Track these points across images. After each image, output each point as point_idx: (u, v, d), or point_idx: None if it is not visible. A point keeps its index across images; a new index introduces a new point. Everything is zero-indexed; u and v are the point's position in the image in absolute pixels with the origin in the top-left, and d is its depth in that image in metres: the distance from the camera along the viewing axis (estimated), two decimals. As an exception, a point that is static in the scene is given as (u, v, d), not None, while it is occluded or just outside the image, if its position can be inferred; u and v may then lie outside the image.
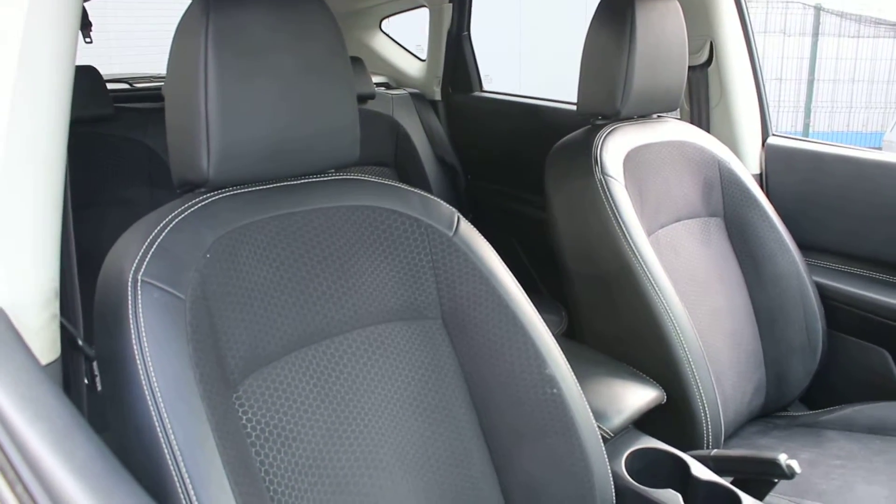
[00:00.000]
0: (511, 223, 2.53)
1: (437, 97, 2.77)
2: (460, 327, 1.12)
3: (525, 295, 1.13)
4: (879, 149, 6.83)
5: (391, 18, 2.90)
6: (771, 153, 1.93)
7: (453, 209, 1.16)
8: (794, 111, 9.08)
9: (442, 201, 1.18)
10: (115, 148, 2.19)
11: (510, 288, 1.12)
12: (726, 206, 1.71)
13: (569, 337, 1.60)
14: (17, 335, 0.68)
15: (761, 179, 1.92)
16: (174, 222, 0.91)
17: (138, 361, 0.78)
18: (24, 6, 0.73)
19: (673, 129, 1.69)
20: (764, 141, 1.95)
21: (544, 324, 1.12)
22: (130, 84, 2.60)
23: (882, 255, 1.74)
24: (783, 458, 1.14)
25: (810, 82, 9.00)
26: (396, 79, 2.90)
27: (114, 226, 1.43)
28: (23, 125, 0.74)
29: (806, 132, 8.21)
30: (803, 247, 1.74)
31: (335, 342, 1.03)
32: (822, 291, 1.73)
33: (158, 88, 2.49)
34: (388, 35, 2.94)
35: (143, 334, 0.80)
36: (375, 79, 2.76)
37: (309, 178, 1.07)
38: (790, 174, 1.89)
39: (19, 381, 0.60)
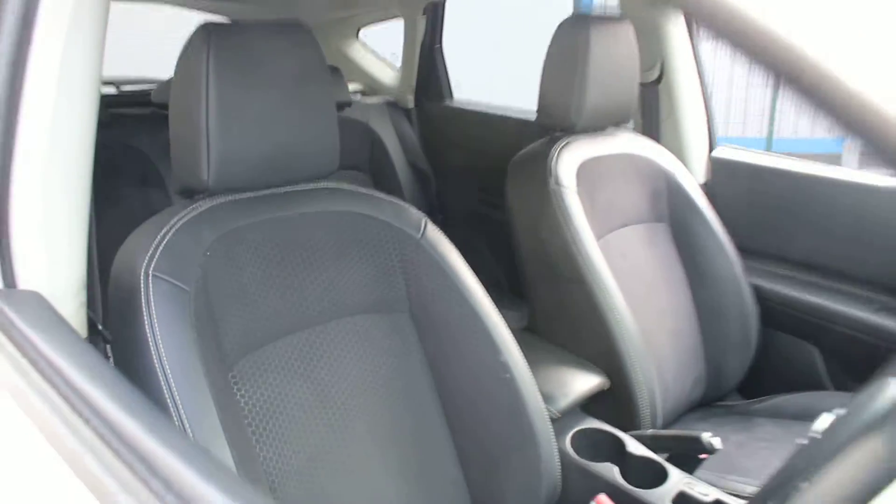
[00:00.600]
0: (478, 225, 2.68)
1: (411, 105, 2.90)
2: (426, 320, 1.27)
3: (484, 291, 1.28)
4: (840, 153, 7.05)
5: (368, 28, 3.03)
6: (716, 164, 2.10)
7: (422, 214, 1.31)
8: (760, 116, 9.29)
9: (412, 207, 1.33)
10: (112, 152, 2.29)
11: (471, 285, 1.27)
12: (672, 212, 1.87)
13: (530, 331, 1.76)
14: (60, 317, 0.82)
15: (707, 188, 2.09)
16: (179, 224, 1.05)
17: (150, 344, 0.92)
18: (62, 37, 0.87)
19: (624, 142, 1.85)
20: (709, 153, 2.12)
21: (501, 317, 1.27)
22: (117, 87, 2.71)
23: (813, 260, 1.91)
24: (706, 436, 1.31)
25: (776, 88, 9.19)
26: (372, 87, 3.03)
27: (109, 223, 1.57)
28: (60, 142, 0.88)
29: (770, 138, 8.43)
30: (743, 251, 1.90)
31: (316, 330, 1.18)
32: (758, 292, 1.90)
33: (145, 92, 2.60)
34: (364, 45, 3.07)
35: (155, 321, 0.94)
36: (352, 86, 2.90)
37: (295, 187, 1.21)
38: (733, 184, 2.06)
39: (73, 349, 0.74)
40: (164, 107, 2.38)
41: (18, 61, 0.84)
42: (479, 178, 2.67)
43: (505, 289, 2.49)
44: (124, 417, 0.64)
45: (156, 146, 2.31)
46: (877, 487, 0.50)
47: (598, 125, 1.81)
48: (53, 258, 0.88)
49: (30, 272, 0.86)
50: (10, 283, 0.84)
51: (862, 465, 0.53)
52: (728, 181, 2.07)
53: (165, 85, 2.40)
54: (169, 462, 0.61)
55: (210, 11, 2.80)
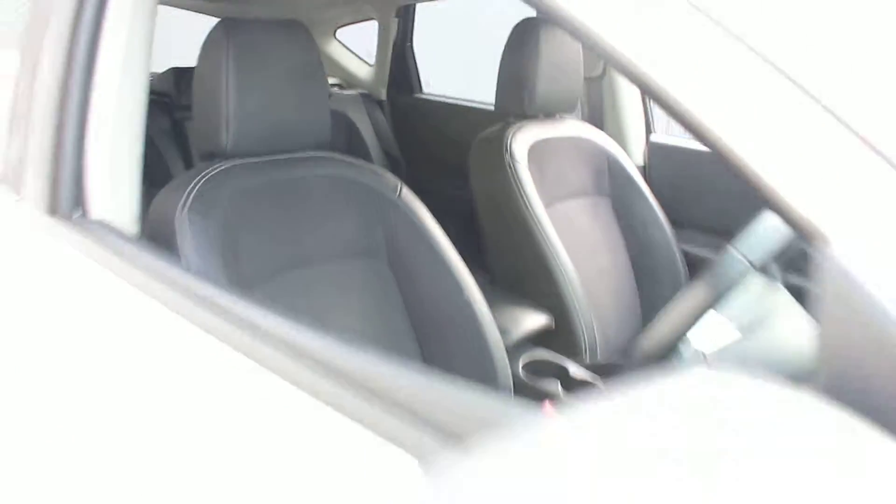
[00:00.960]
0: (444, 206, 2.95)
1: (384, 97, 3.17)
2: (401, 267, 1.55)
3: (449, 242, 1.56)
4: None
5: (344, 29, 3.30)
6: (652, 149, 2.40)
7: (398, 179, 1.59)
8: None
9: (389, 173, 1.61)
10: None
11: (439, 238, 1.55)
12: (612, 188, 2.17)
13: (490, 284, 2.05)
14: (128, 236, 1.09)
15: (644, 170, 2.38)
16: (206, 178, 1.31)
17: (185, 267, 1.19)
18: (125, 27, 1.13)
19: (571, 127, 2.14)
20: (647, 139, 2.42)
21: (463, 263, 1.55)
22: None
23: (732, 227, 2.21)
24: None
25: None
26: (348, 81, 3.30)
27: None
28: (123, 107, 1.14)
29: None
30: (675, 223, 2.20)
31: (312, 270, 1.45)
32: (687, 257, 2.20)
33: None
34: (341, 43, 3.34)
35: (190, 249, 1.20)
36: (330, 80, 3.16)
37: (294, 155, 1.48)
38: (667, 165, 2.36)
39: (150, 254, 1.00)
40: (163, 94, 2.63)
41: (93, 47, 1.10)
42: (446, 162, 2.95)
43: (470, 259, 2.76)
44: (203, 285, 0.90)
45: (154, 127, 2.56)
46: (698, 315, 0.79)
47: (548, 112, 2.10)
48: (117, 196, 1.14)
49: (100, 206, 1.11)
50: (86, 213, 1.10)
51: (692, 305, 0.81)
52: (662, 162, 2.37)
53: (161, 75, 2.65)
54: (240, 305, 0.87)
55: (199, 11, 3.04)
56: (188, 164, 2.37)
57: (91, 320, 0.99)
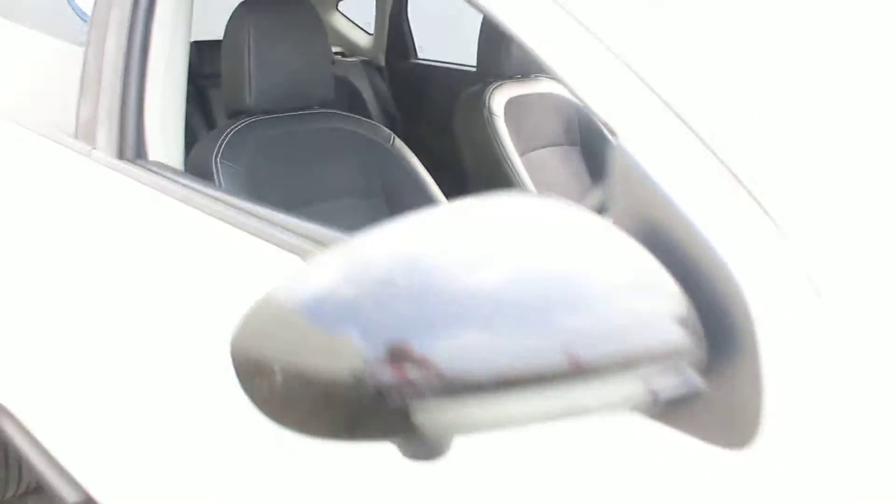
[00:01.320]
0: (437, 161, 3.26)
1: (382, 63, 3.48)
2: (395, 204, 1.88)
3: (435, 183, 1.89)
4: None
5: (346, 1, 3.59)
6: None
7: (391, 132, 1.91)
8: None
9: (384, 127, 1.93)
10: None
11: (427, 181, 1.87)
12: (582, 139, 2.48)
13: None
14: (182, 172, 1.41)
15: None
16: (234, 131, 1.64)
17: None
18: (171, 12, 1.45)
19: (545, 85, 2.45)
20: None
21: (446, 200, 1.88)
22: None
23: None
24: None
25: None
26: (350, 49, 3.60)
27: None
28: (173, 66, 1.45)
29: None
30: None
31: (321, 205, 1.78)
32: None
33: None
34: (343, 14, 3.63)
35: (224, 191, 1.53)
36: (333, 49, 3.46)
37: (305, 111, 1.80)
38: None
39: (202, 186, 1.34)
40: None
41: (147, 26, 1.42)
42: (440, 121, 3.26)
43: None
44: (242, 200, 1.23)
45: None
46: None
47: (525, 73, 2.41)
48: (167, 144, 1.46)
49: (156, 151, 1.44)
50: (146, 156, 1.43)
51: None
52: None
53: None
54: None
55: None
56: (210, 126, 2.68)
57: (157, 234, 1.32)
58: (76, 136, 1.52)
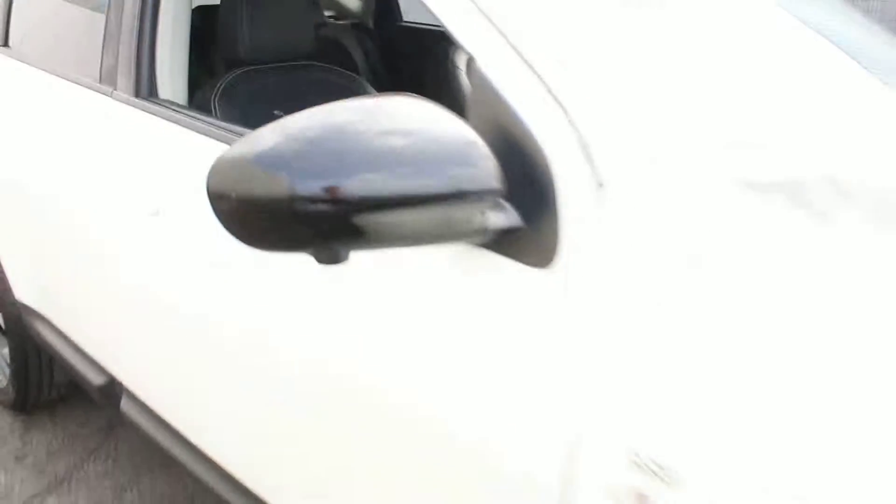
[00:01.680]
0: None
1: (371, 25, 3.79)
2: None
3: None
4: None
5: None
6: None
7: (370, 86, 2.24)
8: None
9: (365, 81, 2.26)
10: None
11: None
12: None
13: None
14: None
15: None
16: (230, 77, 1.97)
17: None
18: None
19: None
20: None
21: None
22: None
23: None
24: None
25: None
26: (341, 13, 3.90)
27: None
28: (178, 15, 1.79)
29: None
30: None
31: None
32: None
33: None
34: (335, -20, 3.93)
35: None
36: (325, 13, 3.77)
37: (293, 63, 2.13)
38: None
39: (206, 117, 1.69)
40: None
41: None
42: (424, 79, 3.57)
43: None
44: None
45: None
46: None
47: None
48: (175, 86, 1.80)
49: (166, 90, 1.78)
50: (157, 95, 1.77)
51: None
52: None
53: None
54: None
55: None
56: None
57: (167, 155, 1.67)
58: (100, 81, 1.87)
